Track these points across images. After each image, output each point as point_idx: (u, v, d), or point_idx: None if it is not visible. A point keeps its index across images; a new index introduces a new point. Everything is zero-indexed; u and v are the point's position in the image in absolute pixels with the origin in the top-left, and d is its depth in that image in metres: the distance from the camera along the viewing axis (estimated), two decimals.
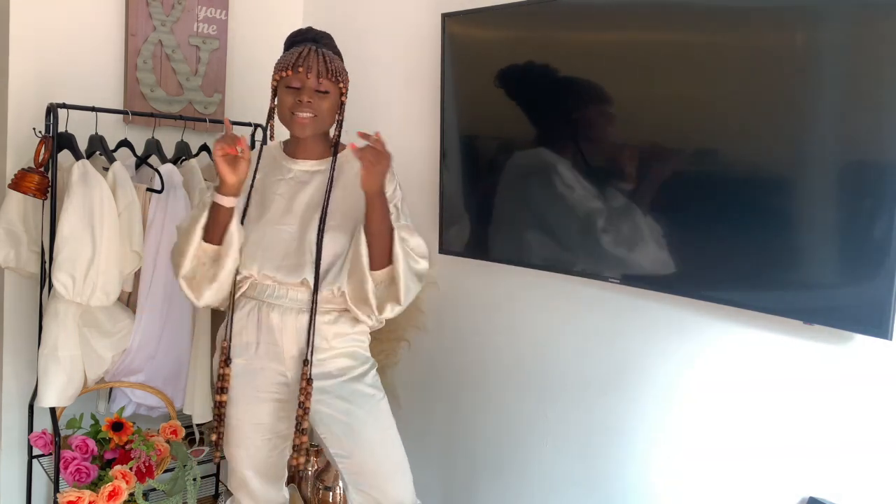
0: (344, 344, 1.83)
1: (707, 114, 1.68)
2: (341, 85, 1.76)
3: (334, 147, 1.83)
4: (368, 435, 1.82)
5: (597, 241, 1.89)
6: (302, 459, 1.79)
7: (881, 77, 1.40)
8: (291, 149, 1.86)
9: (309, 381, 1.76)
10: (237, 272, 1.79)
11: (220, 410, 1.84)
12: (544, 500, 2.16)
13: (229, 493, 2.00)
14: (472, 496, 2.38)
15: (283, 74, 1.72)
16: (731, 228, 1.63)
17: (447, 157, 2.26)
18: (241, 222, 1.78)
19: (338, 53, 1.84)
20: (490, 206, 2.15)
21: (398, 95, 2.55)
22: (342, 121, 1.82)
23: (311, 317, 1.77)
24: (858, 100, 1.45)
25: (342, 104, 1.80)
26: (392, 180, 1.80)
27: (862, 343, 1.52)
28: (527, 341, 2.19)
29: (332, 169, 1.80)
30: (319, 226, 1.75)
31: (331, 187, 1.78)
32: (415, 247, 1.76)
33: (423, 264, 1.79)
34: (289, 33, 1.84)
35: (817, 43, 1.51)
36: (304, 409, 1.77)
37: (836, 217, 1.50)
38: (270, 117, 1.82)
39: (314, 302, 1.77)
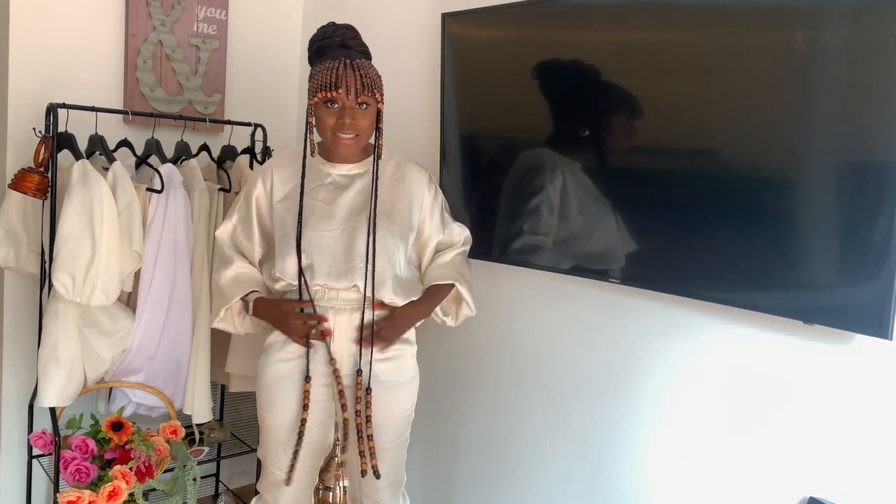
0: (394, 348, 1.86)
1: (707, 113, 1.68)
2: (378, 95, 1.75)
3: (375, 153, 1.82)
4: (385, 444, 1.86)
5: (597, 240, 1.89)
6: (377, 462, 1.80)
7: (881, 77, 1.40)
8: (328, 153, 1.85)
9: (368, 390, 1.78)
10: (279, 280, 1.81)
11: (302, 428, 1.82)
12: (543, 498, 2.16)
13: (232, 495, 1.99)
14: (472, 495, 2.38)
15: (322, 95, 1.70)
16: (732, 228, 1.63)
17: (447, 157, 2.26)
18: (300, 230, 1.77)
19: (365, 50, 1.81)
20: (490, 206, 2.15)
21: (398, 95, 2.55)
22: (381, 129, 1.80)
23: (361, 319, 1.79)
24: (858, 100, 1.45)
25: (379, 111, 1.78)
26: (431, 186, 1.91)
27: (862, 343, 1.51)
28: (527, 341, 2.19)
29: (375, 175, 1.81)
30: (370, 229, 1.76)
31: (376, 193, 1.79)
32: (468, 269, 2.00)
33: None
34: (309, 35, 1.83)
35: (817, 43, 1.51)
36: (366, 416, 1.78)
37: (836, 217, 1.50)
38: (310, 132, 1.79)
39: (363, 307, 1.78)
